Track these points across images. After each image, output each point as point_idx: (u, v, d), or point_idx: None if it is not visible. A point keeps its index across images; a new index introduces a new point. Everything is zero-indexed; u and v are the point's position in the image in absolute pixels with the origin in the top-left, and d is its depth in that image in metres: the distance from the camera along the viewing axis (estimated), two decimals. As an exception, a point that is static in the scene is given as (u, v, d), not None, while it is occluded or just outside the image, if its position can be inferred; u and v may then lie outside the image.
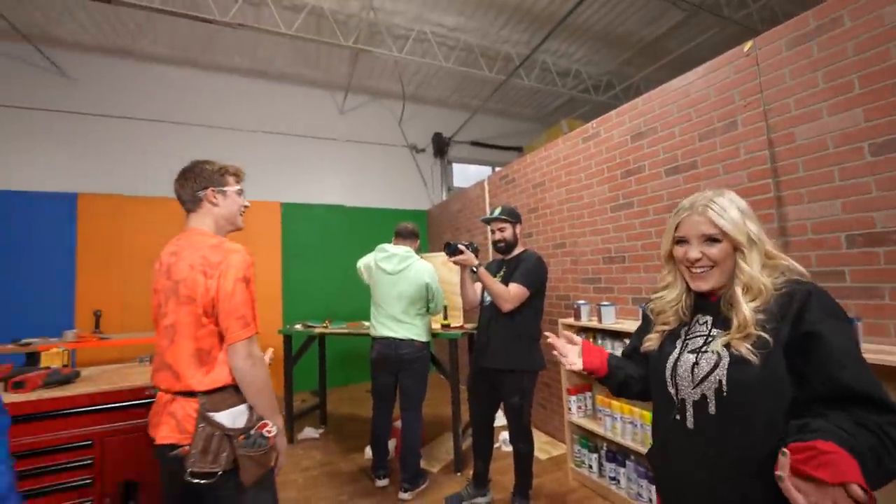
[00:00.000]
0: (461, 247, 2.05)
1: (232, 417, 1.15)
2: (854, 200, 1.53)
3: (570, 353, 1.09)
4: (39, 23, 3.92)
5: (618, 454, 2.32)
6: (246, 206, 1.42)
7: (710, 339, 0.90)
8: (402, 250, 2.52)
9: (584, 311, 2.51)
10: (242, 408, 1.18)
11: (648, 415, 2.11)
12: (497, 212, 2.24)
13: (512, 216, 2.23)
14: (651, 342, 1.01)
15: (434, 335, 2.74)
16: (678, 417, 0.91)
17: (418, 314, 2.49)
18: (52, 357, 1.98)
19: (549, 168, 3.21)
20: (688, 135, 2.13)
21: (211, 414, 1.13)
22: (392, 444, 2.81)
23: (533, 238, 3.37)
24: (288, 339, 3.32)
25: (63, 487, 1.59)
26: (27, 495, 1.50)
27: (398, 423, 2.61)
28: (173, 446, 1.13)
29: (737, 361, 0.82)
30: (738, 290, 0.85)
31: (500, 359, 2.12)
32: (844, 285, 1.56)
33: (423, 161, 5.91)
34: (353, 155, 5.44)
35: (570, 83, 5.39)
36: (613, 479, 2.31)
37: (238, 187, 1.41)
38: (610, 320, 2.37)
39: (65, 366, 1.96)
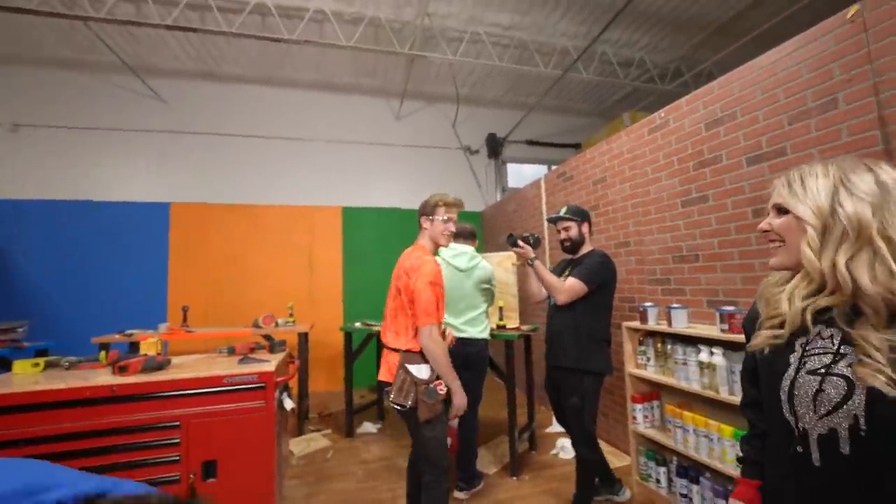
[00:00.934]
0: (520, 241, 2.11)
1: (418, 370, 1.66)
2: None
3: None
4: (140, 54, 4.48)
5: (690, 469, 2.12)
6: (451, 231, 1.86)
7: (837, 357, 0.69)
8: (469, 249, 2.56)
9: (652, 313, 2.34)
10: (425, 367, 1.68)
11: (727, 429, 1.91)
12: (563, 211, 2.25)
13: (577, 214, 2.21)
14: (759, 340, 0.80)
15: (491, 336, 2.70)
16: (801, 450, 0.73)
17: (483, 313, 2.50)
18: (149, 346, 2.22)
19: (610, 163, 3.04)
20: (774, 118, 1.90)
21: (407, 365, 1.67)
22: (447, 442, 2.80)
23: (594, 237, 3.20)
24: (348, 336, 3.46)
25: (154, 462, 1.77)
26: (125, 466, 1.70)
27: (453, 423, 2.61)
28: (387, 384, 1.71)
29: (880, 395, 0.63)
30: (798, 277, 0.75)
31: (559, 356, 2.13)
32: None
33: (476, 162, 5.90)
34: (409, 159, 5.57)
35: (633, 73, 5.09)
36: (685, 496, 2.11)
37: (445, 216, 1.83)
38: (681, 324, 2.18)
39: (158, 354, 2.19)
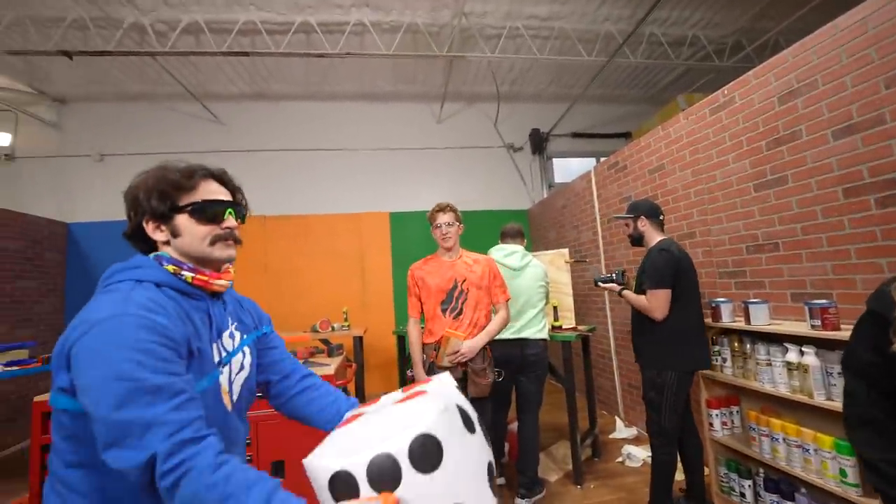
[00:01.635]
0: (601, 283, 2.33)
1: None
2: None
3: None
4: (201, 82, 4.85)
5: (781, 483, 1.90)
6: (444, 234, 2.07)
7: None
8: (519, 248, 2.54)
9: (726, 309, 2.13)
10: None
11: (826, 438, 1.68)
12: (625, 212, 2.25)
13: (631, 211, 2.20)
14: None
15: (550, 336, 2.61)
16: None
17: (540, 312, 2.44)
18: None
19: (668, 149, 2.84)
20: (867, 83, 1.67)
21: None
22: (505, 447, 2.74)
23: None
24: (401, 339, 3.50)
25: (230, 462, 1.87)
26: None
27: (512, 426, 2.54)
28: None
29: None
30: None
31: (638, 353, 2.14)
32: None
33: (521, 160, 5.78)
34: (452, 161, 5.57)
35: (686, 52, 4.74)
36: (778, 513, 1.90)
37: (435, 224, 2.10)
38: (762, 320, 1.97)
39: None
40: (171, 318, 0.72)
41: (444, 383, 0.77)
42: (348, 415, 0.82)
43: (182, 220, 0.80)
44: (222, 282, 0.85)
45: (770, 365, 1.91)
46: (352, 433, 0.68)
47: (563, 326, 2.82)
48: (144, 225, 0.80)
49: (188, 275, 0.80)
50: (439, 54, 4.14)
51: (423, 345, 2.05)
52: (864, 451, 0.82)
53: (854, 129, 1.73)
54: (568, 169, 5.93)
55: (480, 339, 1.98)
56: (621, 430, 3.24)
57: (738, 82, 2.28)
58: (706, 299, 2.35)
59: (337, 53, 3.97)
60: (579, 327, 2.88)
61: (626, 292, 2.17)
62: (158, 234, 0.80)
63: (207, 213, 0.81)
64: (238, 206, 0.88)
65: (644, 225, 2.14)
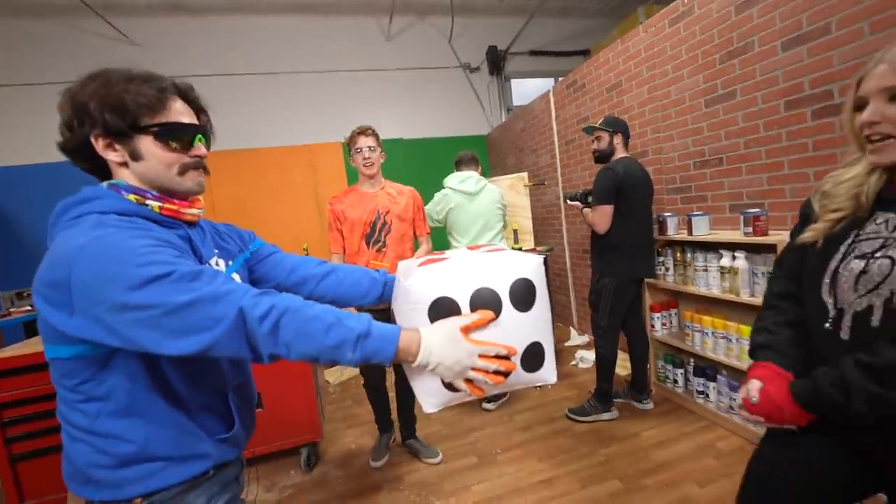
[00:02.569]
0: (569, 202, 2.40)
1: None
2: None
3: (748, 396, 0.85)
4: (98, -12, 4.04)
5: (707, 369, 2.22)
6: (366, 157, 1.94)
7: (889, 241, 0.72)
8: (474, 173, 2.57)
9: (671, 223, 2.30)
10: None
11: (746, 328, 1.95)
12: (599, 122, 2.25)
13: (610, 125, 2.21)
14: (812, 233, 0.83)
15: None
16: (829, 327, 0.79)
17: (498, 234, 2.54)
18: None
19: (626, 65, 2.79)
20: (819, -11, 1.67)
21: None
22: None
23: (608, 150, 3.06)
24: (366, 272, 3.51)
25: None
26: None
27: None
28: None
29: None
30: None
31: (593, 261, 2.34)
32: None
33: (478, 81, 5.50)
34: (406, 83, 5.20)
35: (648, -42, 4.48)
36: (701, 392, 2.24)
37: (355, 148, 1.95)
38: (702, 231, 2.14)
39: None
40: (158, 231, 0.68)
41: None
42: (421, 259, 0.84)
43: (145, 143, 0.69)
44: (194, 210, 0.78)
45: (706, 270, 2.12)
46: (446, 271, 0.75)
47: (523, 248, 2.93)
48: (93, 141, 0.68)
49: (154, 204, 0.72)
50: (384, -45, 3.65)
51: None
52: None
53: (802, 39, 1.76)
54: (526, 93, 5.75)
55: None
56: (575, 339, 3.58)
57: (698, -11, 2.20)
58: (655, 214, 2.49)
59: (263, -49, 3.39)
60: (538, 248, 3.01)
61: (585, 211, 2.28)
62: (111, 154, 0.70)
63: (177, 138, 0.72)
64: (206, 131, 0.79)
65: (618, 142, 2.21)
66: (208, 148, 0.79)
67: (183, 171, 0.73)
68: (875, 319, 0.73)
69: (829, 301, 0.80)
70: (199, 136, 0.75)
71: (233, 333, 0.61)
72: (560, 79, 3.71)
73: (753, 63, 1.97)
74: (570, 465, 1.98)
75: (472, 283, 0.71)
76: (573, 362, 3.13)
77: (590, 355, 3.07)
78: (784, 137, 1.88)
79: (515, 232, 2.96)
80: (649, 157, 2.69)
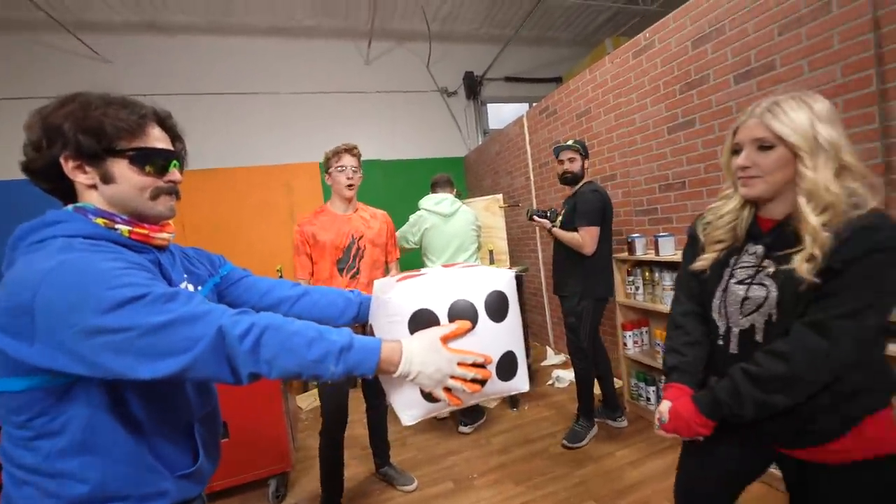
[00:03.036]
0: (535, 217, 2.37)
1: None
2: None
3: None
4: (70, 8, 3.99)
5: (679, 387, 2.26)
6: (349, 177, 1.84)
7: (760, 269, 0.87)
8: (450, 195, 2.60)
9: (639, 244, 2.37)
10: None
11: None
12: (570, 141, 2.30)
13: (584, 148, 2.29)
14: (703, 262, 0.97)
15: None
16: (721, 343, 0.94)
17: (472, 255, 2.56)
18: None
19: (594, 93, 2.92)
20: (765, 29, 1.81)
21: None
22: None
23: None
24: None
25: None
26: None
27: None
28: None
29: (789, 289, 0.81)
30: (802, 200, 0.79)
31: (560, 287, 2.38)
32: (966, 188, 1.32)
33: (455, 105, 5.64)
34: (384, 106, 5.29)
35: (614, -6, 4.77)
36: (675, 410, 2.27)
37: (338, 166, 1.83)
38: (668, 251, 2.22)
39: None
40: (128, 255, 0.67)
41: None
42: (398, 276, 0.86)
43: (119, 166, 0.68)
44: (165, 235, 0.77)
45: (673, 290, 2.18)
46: (424, 285, 0.78)
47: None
48: (62, 161, 0.66)
49: (124, 228, 0.70)
50: (363, -17, 3.75)
51: None
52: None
53: (751, 74, 1.89)
54: (501, 117, 5.92)
55: None
56: (551, 358, 3.59)
57: (657, 25, 2.36)
58: (624, 235, 2.57)
59: (242, -24, 3.44)
60: (513, 269, 3.04)
61: (555, 229, 2.30)
62: (80, 176, 0.68)
63: (152, 163, 0.71)
64: (181, 157, 0.79)
65: (587, 167, 2.32)
66: (181, 174, 0.79)
67: (156, 195, 0.73)
68: (758, 336, 0.87)
69: (719, 320, 0.94)
70: (175, 161, 0.75)
71: (212, 353, 0.60)
72: (534, 104, 3.85)
73: (709, 94, 2.10)
74: (547, 488, 1.96)
75: (449, 296, 0.76)
76: (549, 382, 3.14)
77: (566, 374, 3.09)
78: (740, 163, 1.99)
79: (491, 252, 3.00)
80: (618, 181, 2.80)
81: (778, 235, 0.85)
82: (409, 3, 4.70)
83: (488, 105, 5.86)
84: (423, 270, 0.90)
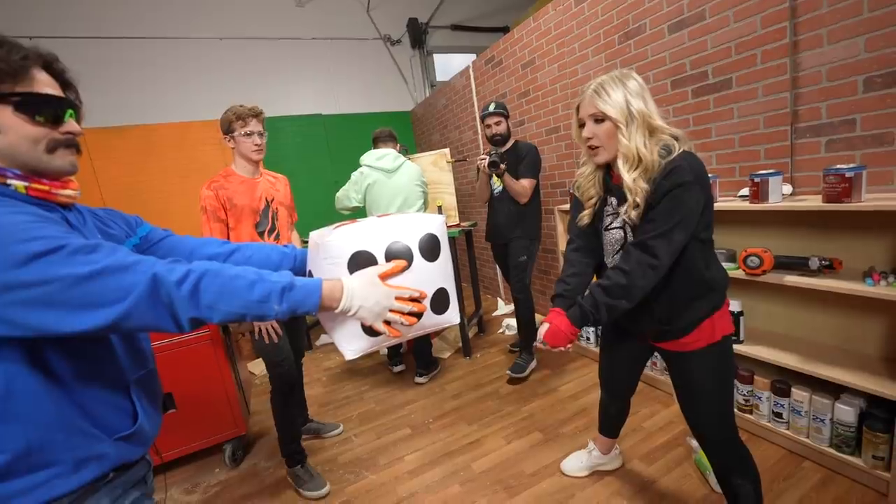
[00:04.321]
0: (502, 165, 2.36)
1: None
2: (882, 35, 1.37)
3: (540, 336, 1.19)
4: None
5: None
6: (257, 143, 1.73)
7: (616, 216, 1.11)
8: (392, 150, 2.53)
9: (581, 195, 2.47)
10: None
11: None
12: (492, 107, 2.42)
13: (506, 109, 2.45)
14: (585, 217, 1.20)
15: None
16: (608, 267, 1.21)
17: (419, 210, 2.56)
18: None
19: (538, 42, 2.88)
20: (696, -23, 1.84)
21: None
22: (404, 339, 3.00)
23: (525, 125, 3.18)
24: (288, 256, 3.34)
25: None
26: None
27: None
28: None
29: (633, 230, 1.07)
30: (620, 161, 1.03)
31: (507, 231, 2.51)
32: (855, 135, 1.48)
33: (400, 55, 5.34)
34: (323, 55, 4.89)
35: (560, -64, 4.59)
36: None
37: (244, 130, 1.69)
38: (607, 202, 2.34)
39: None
40: (31, 211, 0.61)
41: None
42: (334, 226, 0.88)
43: (3, 114, 0.61)
44: (69, 191, 0.70)
45: (610, 237, 2.33)
46: (362, 230, 0.82)
47: (448, 224, 2.97)
48: None
49: (19, 184, 0.63)
50: None
51: None
52: None
53: (684, 24, 1.94)
54: (449, 68, 5.70)
55: None
56: (502, 308, 3.77)
57: (599, -30, 2.32)
58: (567, 188, 2.66)
59: None
60: (462, 224, 3.08)
61: (507, 176, 2.38)
62: None
63: (43, 110, 0.64)
64: (76, 106, 0.70)
65: (510, 125, 2.48)
66: (80, 125, 0.70)
67: (52, 148, 0.65)
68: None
69: (605, 257, 1.20)
70: (69, 111, 0.68)
71: (148, 301, 0.59)
72: (480, 54, 3.73)
73: (646, 44, 2.14)
74: (497, 424, 2.12)
75: (386, 238, 0.81)
76: (500, 330, 3.31)
77: (515, 322, 3.26)
78: (671, 114, 2.09)
79: (440, 208, 2.99)
80: (561, 133, 2.85)
81: (621, 189, 1.06)
82: (343, -65, 4.24)
83: (435, 55, 5.61)
84: (359, 221, 0.91)
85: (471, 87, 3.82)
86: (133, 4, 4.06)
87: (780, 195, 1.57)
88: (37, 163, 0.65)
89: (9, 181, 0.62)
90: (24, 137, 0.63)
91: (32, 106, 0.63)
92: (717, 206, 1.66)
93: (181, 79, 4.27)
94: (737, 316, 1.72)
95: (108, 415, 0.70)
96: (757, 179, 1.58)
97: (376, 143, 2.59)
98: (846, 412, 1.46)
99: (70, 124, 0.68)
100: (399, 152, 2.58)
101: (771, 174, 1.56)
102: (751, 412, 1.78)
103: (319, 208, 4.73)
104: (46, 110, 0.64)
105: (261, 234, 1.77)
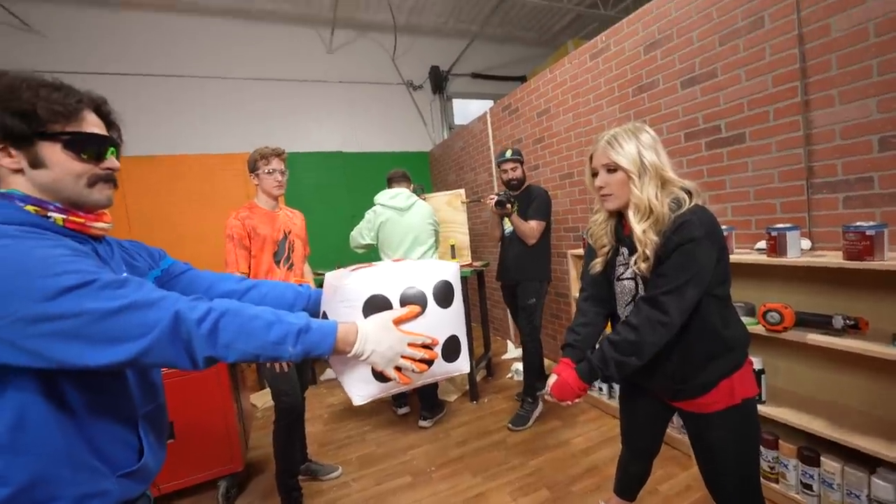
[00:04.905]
0: (508, 205, 2.42)
1: None
2: (894, 97, 1.39)
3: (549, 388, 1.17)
4: (-6, -30, 3.61)
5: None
6: (279, 181, 1.88)
7: (627, 267, 1.10)
8: (405, 190, 2.60)
9: (594, 240, 2.47)
10: None
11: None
12: (508, 153, 2.50)
13: (521, 156, 2.53)
14: (597, 265, 1.18)
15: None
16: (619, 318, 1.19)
17: (430, 249, 2.58)
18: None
19: (554, 93, 2.99)
20: (707, 39, 1.92)
21: None
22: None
23: (539, 170, 3.25)
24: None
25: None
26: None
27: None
28: None
29: (644, 282, 1.06)
30: (631, 211, 1.03)
31: (518, 272, 2.52)
32: (873, 192, 1.47)
33: (421, 99, 5.60)
34: (347, 97, 5.16)
35: (576, -3, 4.89)
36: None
37: (268, 168, 1.84)
38: (620, 248, 2.33)
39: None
40: (66, 244, 0.64)
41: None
42: (351, 268, 0.89)
43: (51, 151, 0.65)
44: (102, 224, 0.74)
45: (624, 284, 2.30)
46: (378, 274, 0.83)
47: (461, 263, 2.98)
48: None
49: (58, 216, 0.67)
50: (325, -31, 3.64)
51: None
52: None
53: (696, 80, 2.01)
54: (467, 112, 5.95)
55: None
56: (512, 351, 3.68)
57: (613, 30, 2.44)
58: (580, 232, 2.67)
59: (193, -48, 3.24)
60: (475, 263, 3.08)
61: (515, 217, 2.43)
62: (5, 160, 0.65)
63: (89, 148, 0.69)
64: (117, 144, 0.76)
65: (525, 171, 2.58)
66: (118, 161, 0.76)
67: (93, 183, 0.70)
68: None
69: (618, 308, 1.17)
70: (112, 148, 0.73)
71: (169, 338, 0.60)
72: (498, 101, 3.89)
73: (659, 98, 2.20)
74: (503, 478, 2.01)
75: (401, 283, 0.82)
76: (509, 375, 3.21)
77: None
78: (685, 165, 2.11)
79: (453, 247, 3.01)
80: (575, 179, 2.89)
81: (632, 239, 1.05)
82: (374, -8, 4.60)
83: (454, 100, 5.87)
84: (375, 264, 0.93)
85: (487, 132, 3.95)
86: (172, 47, 4.41)
87: (798, 250, 1.54)
88: (77, 196, 0.69)
89: (49, 213, 0.66)
90: (68, 173, 0.67)
91: (80, 144, 0.68)
92: (734, 258, 1.64)
93: (210, 114, 4.54)
94: (758, 374, 1.64)
95: (115, 450, 0.69)
96: (774, 233, 1.56)
97: (390, 183, 2.66)
98: (885, 489, 1.35)
99: (110, 161, 0.73)
100: (414, 191, 2.64)
101: (788, 228, 1.54)
102: (777, 481, 1.66)
103: (335, 241, 4.81)
104: (91, 148, 0.69)
105: (277, 263, 1.88)
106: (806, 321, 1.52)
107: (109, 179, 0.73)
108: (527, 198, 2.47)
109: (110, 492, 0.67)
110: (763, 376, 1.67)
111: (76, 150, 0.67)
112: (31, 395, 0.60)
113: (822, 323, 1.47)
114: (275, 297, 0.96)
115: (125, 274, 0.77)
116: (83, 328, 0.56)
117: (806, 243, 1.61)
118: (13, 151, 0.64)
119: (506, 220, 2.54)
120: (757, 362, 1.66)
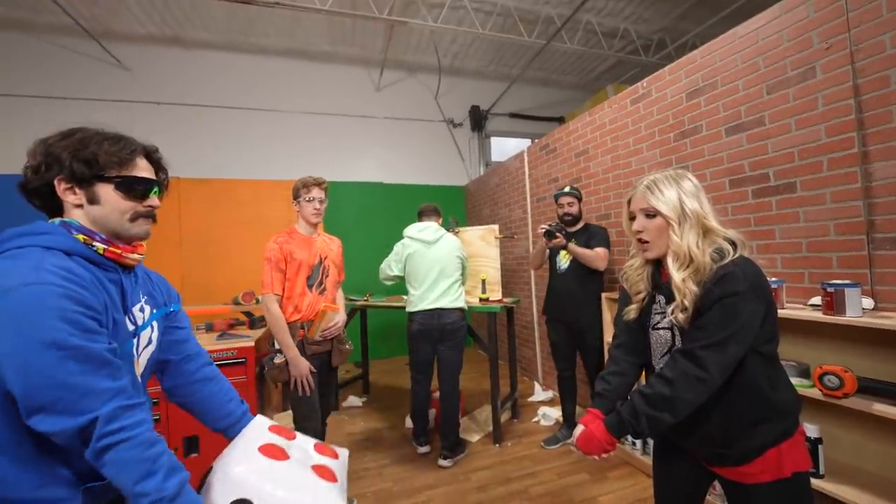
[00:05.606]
0: (559, 235, 2.41)
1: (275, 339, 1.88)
2: (963, 151, 1.30)
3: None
4: (98, 16, 4.16)
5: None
6: (316, 208, 1.98)
7: (664, 316, 1.04)
8: (434, 223, 2.64)
9: (630, 284, 2.39)
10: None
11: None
12: (567, 188, 2.58)
13: (580, 192, 2.60)
14: (631, 312, 1.13)
15: (471, 308, 2.75)
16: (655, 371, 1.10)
17: (456, 282, 2.54)
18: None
19: (593, 135, 3.02)
20: (754, 87, 1.90)
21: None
22: (431, 413, 2.86)
23: (575, 210, 3.22)
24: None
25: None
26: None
27: (436, 395, 2.66)
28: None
29: (681, 333, 0.99)
30: (670, 259, 0.98)
31: (575, 313, 2.54)
32: (944, 251, 1.36)
33: (460, 136, 5.80)
34: (391, 131, 5.43)
35: (617, 45, 5.01)
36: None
37: (308, 197, 1.95)
38: (658, 294, 2.24)
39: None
40: (89, 289, 0.71)
41: (345, 464, 1.00)
42: (270, 438, 0.90)
43: (105, 191, 0.78)
44: (135, 255, 0.84)
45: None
46: (268, 474, 0.82)
47: (490, 298, 2.95)
48: (56, 183, 0.76)
49: (100, 246, 0.78)
50: (379, 16, 3.94)
51: (288, 323, 1.89)
52: None
53: (742, 128, 1.97)
54: (504, 149, 6.08)
55: (344, 313, 2.10)
56: (539, 394, 3.53)
57: (654, 76, 2.47)
58: (615, 275, 2.60)
59: (265, 2, 3.62)
60: (505, 300, 3.04)
61: (572, 245, 2.41)
62: (70, 197, 0.77)
63: (135, 189, 0.81)
64: (161, 185, 0.88)
65: (583, 208, 2.65)
66: (161, 199, 0.88)
67: (135, 218, 0.82)
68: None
69: (652, 359, 1.10)
70: (155, 189, 0.85)
71: (75, 433, 0.65)
72: (535, 140, 3.96)
73: (702, 144, 2.17)
74: (524, 531, 1.88)
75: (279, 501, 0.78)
76: (535, 419, 3.07)
77: (552, 412, 3.03)
78: (730, 212, 2.04)
79: (484, 282, 3.00)
80: (612, 220, 2.85)
81: (670, 287, 1.01)
82: (423, 37, 4.92)
83: (492, 138, 6.03)
84: (289, 452, 0.90)
85: (524, 170, 4.00)
86: (233, 80, 4.84)
87: (859, 309, 1.42)
88: (120, 229, 0.81)
89: (94, 243, 0.77)
90: (116, 209, 0.79)
91: (128, 185, 0.80)
92: (785, 313, 1.54)
93: (262, 143, 4.88)
94: (814, 443, 1.49)
95: (84, 464, 0.71)
96: (831, 289, 1.46)
97: (421, 216, 2.70)
98: None
99: (153, 199, 0.84)
100: (449, 224, 2.68)
101: (847, 285, 1.43)
102: (839, 571, 1.46)
103: (371, 266, 4.90)
104: (137, 189, 0.81)
105: (309, 287, 1.95)
106: (869, 388, 1.38)
107: (149, 216, 0.84)
108: (587, 234, 2.51)
109: (74, 499, 0.72)
110: (820, 447, 1.51)
111: (125, 191, 0.79)
112: (9, 402, 0.66)
113: (888, 392, 1.34)
114: (219, 402, 1.00)
115: (141, 302, 0.87)
116: (33, 386, 0.63)
117: (868, 302, 1.49)
118: (77, 190, 0.77)
119: (561, 255, 2.57)
120: (813, 430, 1.51)
